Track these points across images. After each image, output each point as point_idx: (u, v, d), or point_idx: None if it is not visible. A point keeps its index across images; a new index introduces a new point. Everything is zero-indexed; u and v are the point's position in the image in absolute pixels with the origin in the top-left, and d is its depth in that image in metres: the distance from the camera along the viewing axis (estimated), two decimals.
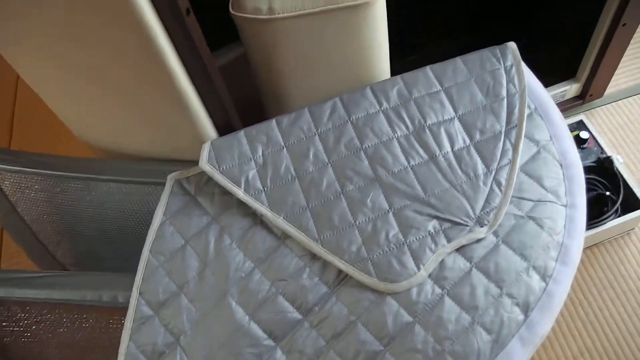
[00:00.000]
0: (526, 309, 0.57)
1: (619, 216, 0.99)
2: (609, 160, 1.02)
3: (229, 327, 0.60)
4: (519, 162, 0.63)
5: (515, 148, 0.64)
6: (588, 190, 1.01)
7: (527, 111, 0.67)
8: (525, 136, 0.65)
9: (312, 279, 0.60)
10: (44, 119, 1.40)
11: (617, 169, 1.02)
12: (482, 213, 0.60)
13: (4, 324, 0.75)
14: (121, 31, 0.54)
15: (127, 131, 0.74)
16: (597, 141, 1.06)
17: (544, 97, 0.69)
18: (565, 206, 0.62)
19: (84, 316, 0.71)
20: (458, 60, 0.70)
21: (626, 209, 0.99)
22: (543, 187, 0.62)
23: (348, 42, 0.65)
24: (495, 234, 0.60)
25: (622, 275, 1.01)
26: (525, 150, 0.65)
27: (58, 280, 0.68)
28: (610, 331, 0.97)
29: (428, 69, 0.69)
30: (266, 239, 0.62)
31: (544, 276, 0.58)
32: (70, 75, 0.66)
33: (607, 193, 1.00)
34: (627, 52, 1.24)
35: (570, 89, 1.14)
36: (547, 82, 1.14)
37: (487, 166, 0.63)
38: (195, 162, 0.68)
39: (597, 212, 0.99)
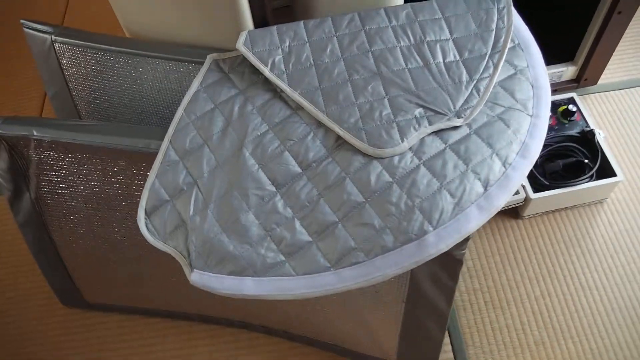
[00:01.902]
0: (486, 184, 0.73)
1: (594, 181, 1.15)
2: (591, 133, 1.19)
3: (240, 172, 0.76)
4: (497, 77, 0.80)
5: (496, 66, 0.81)
6: (569, 156, 1.19)
7: (510, 44, 0.84)
8: (506, 61, 0.83)
9: (314, 141, 0.76)
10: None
11: (598, 141, 1.18)
12: (460, 108, 0.77)
13: (48, 171, 0.91)
14: None
15: (176, 21, 0.91)
16: (583, 116, 1.23)
17: (527, 36, 0.86)
18: (531, 116, 0.78)
19: (116, 168, 0.88)
20: None
21: (601, 176, 1.16)
22: (515, 98, 0.79)
23: None
24: (469, 126, 0.77)
25: (590, 237, 1.17)
26: (504, 71, 0.82)
27: (101, 128, 0.85)
28: (571, 282, 1.12)
29: (434, 0, 0.87)
30: (282, 108, 0.80)
31: (505, 163, 0.74)
32: None
33: (586, 161, 1.17)
34: (626, 49, 1.43)
35: (567, 70, 1.31)
36: (548, 61, 1.31)
37: (471, 76, 0.80)
38: (230, 50, 0.86)
39: (573, 176, 1.16)
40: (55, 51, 1.00)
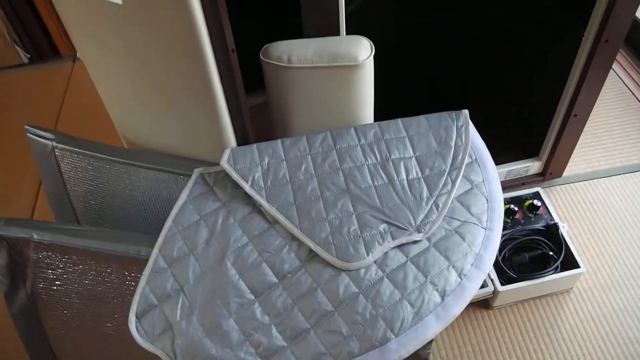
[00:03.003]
0: (443, 294, 0.83)
1: (558, 273, 1.25)
2: (555, 226, 1.30)
3: (222, 281, 0.86)
4: (454, 193, 0.92)
5: (454, 183, 0.93)
6: (534, 249, 1.30)
7: (468, 160, 0.96)
8: (463, 176, 0.94)
9: (289, 254, 0.87)
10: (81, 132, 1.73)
11: (562, 234, 1.29)
12: (421, 223, 0.88)
13: (45, 269, 1.01)
14: (184, 57, 0.85)
15: (165, 133, 1.03)
16: (548, 210, 1.34)
17: (484, 151, 0.98)
18: (485, 229, 0.89)
19: (109, 269, 0.97)
20: (422, 117, 1.00)
21: (565, 268, 1.26)
22: (470, 212, 0.91)
23: (342, 91, 0.97)
24: (429, 239, 0.87)
25: (558, 325, 1.26)
26: (461, 186, 0.93)
27: (96, 234, 0.95)
28: None
29: (399, 120, 1.00)
30: (260, 222, 0.90)
31: (460, 274, 0.85)
32: (131, 82, 0.97)
33: (551, 253, 1.27)
34: (589, 142, 1.56)
35: (532, 165, 1.44)
36: (515, 157, 1.45)
37: (431, 192, 0.91)
38: (214, 164, 0.97)
39: (540, 268, 1.26)
40: (55, 156, 1.11)
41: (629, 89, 1.75)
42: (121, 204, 1.09)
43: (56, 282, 1.04)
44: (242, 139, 0.98)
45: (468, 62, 1.57)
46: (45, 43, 1.97)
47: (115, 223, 1.13)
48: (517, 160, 1.43)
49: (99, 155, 1.06)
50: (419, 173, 0.94)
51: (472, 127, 1.00)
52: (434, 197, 0.91)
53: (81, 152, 1.07)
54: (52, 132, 1.11)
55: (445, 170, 0.94)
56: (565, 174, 1.49)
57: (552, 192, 1.47)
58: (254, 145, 0.96)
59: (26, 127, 1.13)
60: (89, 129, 1.77)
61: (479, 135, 1.01)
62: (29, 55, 1.99)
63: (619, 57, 1.87)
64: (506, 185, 1.44)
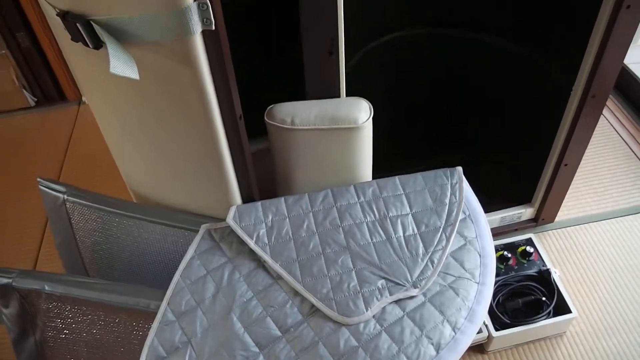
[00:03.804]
0: (438, 347, 0.89)
1: (551, 318, 1.31)
2: (547, 272, 1.36)
3: (228, 335, 0.92)
4: (449, 249, 0.98)
5: (448, 239, 0.99)
6: (527, 294, 1.36)
7: (462, 215, 1.03)
8: (457, 232, 1.01)
9: (292, 308, 0.93)
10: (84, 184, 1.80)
11: (554, 280, 1.35)
12: (417, 279, 0.94)
13: (54, 319, 1.06)
14: (194, 123, 0.92)
15: (173, 190, 1.10)
16: (540, 256, 1.41)
17: (477, 207, 1.05)
18: (478, 283, 0.95)
19: (117, 320, 1.03)
20: (419, 175, 1.07)
21: (557, 313, 1.32)
22: (464, 268, 0.97)
23: (342, 152, 1.04)
24: (424, 294, 0.93)
25: None
26: (455, 242, 1.00)
27: (107, 287, 1.01)
28: None
29: (397, 178, 1.06)
30: (265, 277, 0.96)
31: (454, 328, 0.91)
32: (140, 143, 1.03)
33: (543, 298, 1.33)
34: (580, 187, 1.63)
35: (525, 212, 1.50)
36: (509, 204, 1.52)
37: (426, 249, 0.98)
38: (220, 219, 1.04)
39: (533, 313, 1.32)
40: (66, 208, 1.17)
41: (618, 134, 1.83)
42: (129, 255, 1.15)
43: (65, 331, 1.09)
44: (247, 197, 1.04)
45: (462, 112, 1.65)
46: (52, 86, 2.04)
47: (123, 273, 1.18)
48: (511, 206, 1.50)
49: (108, 209, 1.12)
50: (415, 230, 1.00)
51: (465, 183, 1.07)
52: (430, 254, 0.97)
53: (91, 206, 1.13)
54: (64, 185, 1.17)
55: (440, 227, 1.01)
56: (557, 218, 1.56)
57: (544, 237, 1.54)
58: (259, 203, 1.03)
59: (38, 179, 1.19)
60: (94, 172, 1.83)
61: (472, 191, 1.08)
62: (35, 99, 2.06)
63: (608, 102, 1.95)
64: (500, 231, 1.51)
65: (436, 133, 1.67)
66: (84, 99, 2.07)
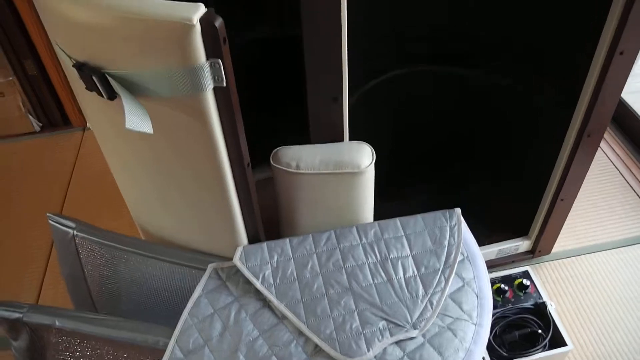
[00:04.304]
0: None
1: (547, 350, 1.35)
2: (543, 305, 1.41)
3: None
4: (448, 291, 1.03)
5: (447, 281, 1.03)
6: (524, 327, 1.40)
7: (460, 257, 1.07)
8: (455, 274, 1.05)
9: (297, 348, 0.97)
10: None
11: (550, 313, 1.39)
12: (416, 321, 0.99)
13: (63, 352, 1.10)
14: (203, 170, 0.96)
15: (180, 229, 1.14)
16: (537, 288, 1.45)
17: (474, 248, 1.09)
18: (475, 324, 1.00)
19: (125, 355, 1.07)
20: (419, 217, 1.12)
21: (553, 345, 1.36)
22: (462, 309, 1.01)
23: (345, 195, 1.08)
24: (424, 335, 0.98)
25: None
26: (454, 284, 1.04)
27: (117, 323, 1.05)
28: None
29: (397, 219, 1.11)
30: (270, 317, 1.01)
31: None
32: (149, 182, 1.08)
33: (539, 331, 1.38)
34: (575, 219, 1.68)
35: (522, 244, 1.55)
36: (506, 236, 1.57)
37: (426, 291, 1.02)
38: (226, 258, 1.08)
39: (529, 346, 1.36)
40: (75, 243, 1.21)
41: (613, 164, 1.88)
42: (136, 290, 1.19)
43: None
44: (253, 237, 1.09)
45: (461, 145, 1.70)
46: (57, 112, 2.09)
47: (130, 306, 1.23)
48: (508, 239, 1.54)
49: (117, 245, 1.16)
50: (415, 271, 1.05)
51: (464, 225, 1.12)
52: (429, 295, 1.02)
53: (100, 242, 1.18)
54: (73, 220, 1.21)
55: (439, 269, 1.05)
56: (553, 250, 1.61)
57: (540, 268, 1.58)
58: (264, 244, 1.07)
59: (48, 214, 1.23)
60: (97, 197, 1.88)
61: (470, 232, 1.13)
62: (40, 124, 2.11)
63: (604, 134, 2.00)
64: (497, 263, 1.56)
65: (434, 166, 1.72)
66: (88, 125, 2.12)
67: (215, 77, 0.85)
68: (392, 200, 1.57)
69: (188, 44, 0.80)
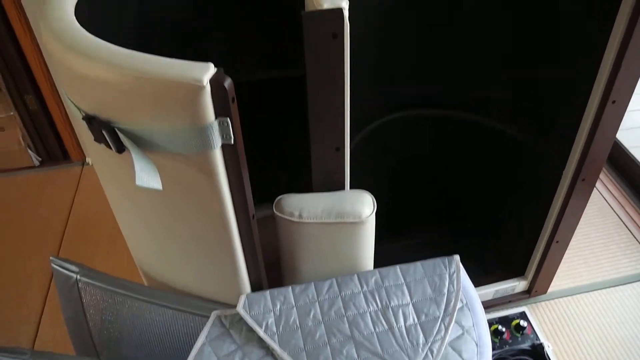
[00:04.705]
0: None
1: None
2: (540, 346, 1.43)
3: None
4: (447, 339, 1.05)
5: (446, 329, 1.06)
6: None
7: (459, 304, 1.10)
8: (455, 321, 1.08)
9: None
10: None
11: (547, 354, 1.42)
12: None
13: None
14: (209, 221, 0.99)
15: (183, 277, 1.16)
16: (534, 329, 1.48)
17: (473, 295, 1.12)
18: None
19: None
20: (418, 264, 1.14)
21: None
22: (462, 357, 1.03)
23: (347, 243, 1.11)
24: None
25: None
26: (453, 331, 1.07)
27: None
28: None
29: (398, 267, 1.14)
30: None
31: None
32: (153, 228, 1.10)
33: None
34: (572, 258, 1.71)
35: (519, 284, 1.58)
36: (502, 277, 1.59)
37: (426, 339, 1.04)
38: (229, 305, 1.10)
39: None
40: (78, 287, 1.23)
41: (608, 204, 1.92)
42: (139, 335, 1.20)
43: None
44: (256, 285, 1.11)
45: (458, 188, 1.74)
46: (56, 147, 2.12)
47: (131, 351, 1.24)
48: (504, 279, 1.57)
49: (120, 291, 1.18)
50: (416, 319, 1.07)
51: (463, 272, 1.15)
52: (429, 344, 1.04)
53: (103, 287, 1.19)
54: (76, 265, 1.23)
55: (439, 317, 1.08)
56: (549, 289, 1.63)
57: (537, 308, 1.61)
58: (267, 292, 1.09)
59: (51, 258, 1.25)
60: (96, 233, 1.89)
61: (468, 278, 1.15)
62: (40, 158, 2.13)
63: None
64: (494, 304, 1.58)
65: (432, 208, 1.76)
66: (87, 160, 2.14)
67: (224, 135, 0.88)
68: (391, 242, 1.60)
69: (198, 103, 0.83)
